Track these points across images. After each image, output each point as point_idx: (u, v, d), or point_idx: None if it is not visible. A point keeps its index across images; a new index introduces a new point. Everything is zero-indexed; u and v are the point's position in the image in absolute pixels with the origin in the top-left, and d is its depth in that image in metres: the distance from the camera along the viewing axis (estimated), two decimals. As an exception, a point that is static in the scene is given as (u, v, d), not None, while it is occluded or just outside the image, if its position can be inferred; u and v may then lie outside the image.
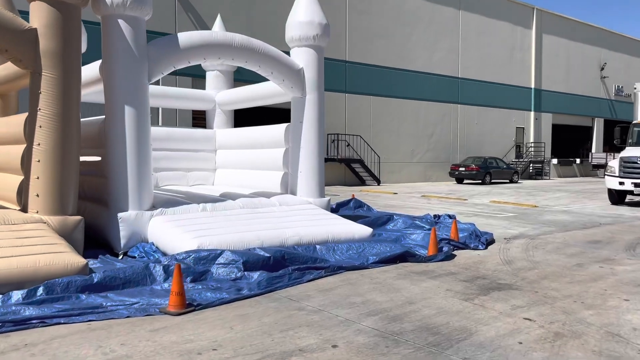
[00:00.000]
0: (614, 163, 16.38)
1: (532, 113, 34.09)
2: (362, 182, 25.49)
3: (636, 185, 15.52)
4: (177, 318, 5.00)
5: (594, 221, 12.37)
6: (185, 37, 8.08)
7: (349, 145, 25.15)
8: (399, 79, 27.12)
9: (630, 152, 16.18)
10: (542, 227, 11.26)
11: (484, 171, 26.72)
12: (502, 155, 31.84)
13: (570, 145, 39.32)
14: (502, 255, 8.09)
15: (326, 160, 24.33)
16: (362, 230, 8.51)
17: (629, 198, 17.59)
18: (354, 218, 10.89)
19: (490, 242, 9.19)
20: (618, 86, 39.73)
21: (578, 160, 37.44)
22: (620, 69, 40.06)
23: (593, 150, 38.69)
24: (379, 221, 10.84)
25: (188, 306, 5.18)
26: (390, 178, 26.91)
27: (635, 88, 18.23)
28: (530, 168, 33.24)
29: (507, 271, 7.05)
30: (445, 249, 8.15)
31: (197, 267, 6.41)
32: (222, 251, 6.63)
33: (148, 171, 7.79)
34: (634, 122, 17.30)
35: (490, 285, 6.29)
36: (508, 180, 28.47)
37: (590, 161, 37.30)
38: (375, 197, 18.72)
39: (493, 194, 20.57)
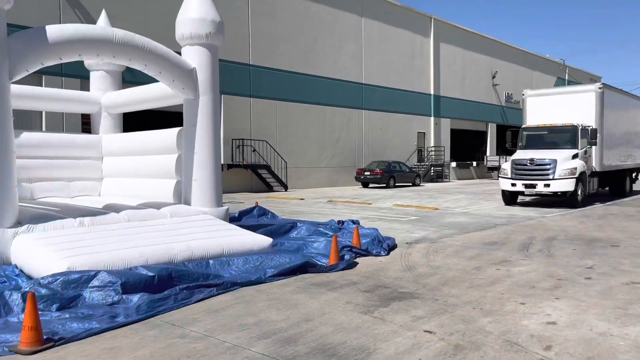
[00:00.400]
0: (506, 165, 17.18)
1: (432, 118, 35.45)
2: (270, 188, 24.99)
3: (526, 186, 16.36)
4: (30, 358, 4.20)
5: (491, 222, 12.77)
6: (56, 30, 7.14)
7: (255, 150, 24.54)
8: (305, 83, 26.98)
9: (520, 155, 17.04)
10: (443, 230, 11.39)
11: (388, 175, 27.24)
12: (405, 159, 32.76)
13: (467, 148, 41.39)
14: (404, 261, 7.94)
15: (231, 166, 23.64)
16: (261, 241, 8.00)
17: (520, 198, 18.57)
18: (257, 227, 10.36)
19: (392, 247, 9.05)
20: (508, 93, 42.47)
21: (475, 163, 39.48)
22: (510, 77, 42.86)
23: (488, 153, 41.01)
24: (281, 229, 10.38)
25: (46, 342, 4.39)
26: (298, 184, 26.64)
27: (523, 95, 19.32)
28: (432, 171, 34.50)
29: (408, 278, 6.86)
30: (347, 257, 7.85)
31: (66, 292, 5.57)
32: (97, 272, 5.83)
33: (10, 182, 6.76)
34: (523, 126, 18.28)
35: (391, 295, 6.03)
36: (411, 184, 29.27)
37: (485, 164, 39.49)
38: (282, 203, 18.29)
39: (397, 197, 20.91)
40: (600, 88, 17.58)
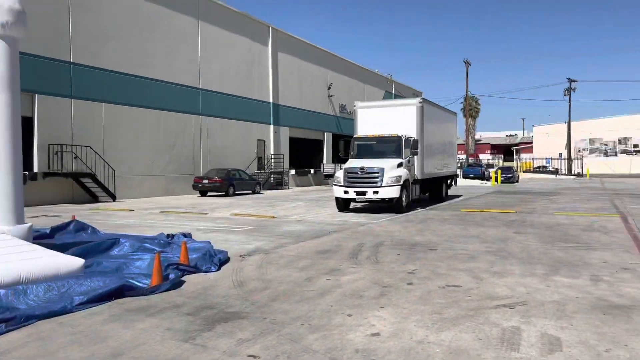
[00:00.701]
0: (339, 174, 17.82)
1: (272, 126, 35.77)
2: (95, 199, 22.80)
3: (358, 193, 17.13)
4: None
5: (324, 229, 13.01)
6: None
7: (77, 157, 22.20)
8: (136, 86, 25.25)
9: (352, 163, 17.81)
10: (278, 239, 11.26)
11: (227, 183, 26.71)
12: (246, 166, 32.51)
13: (306, 156, 42.57)
14: (235, 276, 7.56)
15: (47, 174, 21.09)
16: (70, 263, 6.99)
17: (353, 205, 19.42)
18: (72, 245, 9.22)
19: (225, 261, 8.62)
20: (342, 104, 44.71)
21: (312, 171, 40.75)
22: (344, 89, 45.17)
23: (324, 161, 42.64)
24: (101, 247, 9.31)
25: None
26: (129, 193, 24.76)
27: (354, 106, 20.29)
28: (272, 179, 34.76)
29: (237, 295, 6.49)
30: (172, 276, 7.23)
31: None
32: None
33: None
34: (354, 136, 19.17)
35: (217, 316, 5.61)
36: (251, 191, 29.08)
37: (322, 171, 40.99)
38: (107, 216, 16.71)
39: (235, 206, 20.50)
40: (420, 102, 19.18)
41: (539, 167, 71.54)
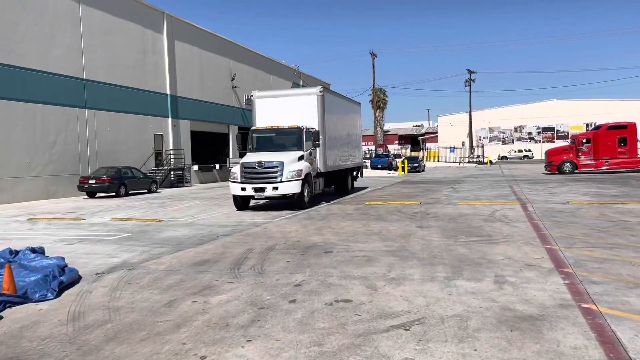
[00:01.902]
0: (236, 169, 16.40)
1: (170, 120, 33.40)
2: (-44, 206, 19.69)
3: (256, 190, 15.81)
4: None
5: (213, 233, 11.59)
6: None
7: None
8: (4, 76, 22.14)
9: (250, 157, 16.45)
10: (153, 249, 9.70)
11: (118, 182, 24.34)
12: (142, 163, 30.04)
13: (210, 151, 40.52)
14: (75, 306, 6.00)
15: None
16: None
17: (253, 202, 18.08)
18: None
19: (72, 283, 7.00)
20: (247, 96, 42.96)
21: (218, 166, 38.81)
22: (249, 80, 43.42)
23: (230, 155, 40.78)
24: None
25: None
26: (1, 198, 21.71)
27: (251, 96, 18.92)
28: (172, 176, 32.52)
29: (64, 336, 4.97)
30: (-16, 311, 5.55)
31: None
32: None
33: None
34: (252, 128, 17.81)
35: (18, 375, 4.09)
36: (146, 191, 26.82)
37: (228, 166, 39.09)
38: (-42, 227, 14.13)
39: (122, 208, 18.43)
40: (321, 92, 18.17)
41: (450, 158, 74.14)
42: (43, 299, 6.28)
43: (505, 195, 18.90)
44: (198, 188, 31.00)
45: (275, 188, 15.66)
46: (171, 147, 33.34)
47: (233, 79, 41.02)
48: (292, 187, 15.75)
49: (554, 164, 33.68)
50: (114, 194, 24.26)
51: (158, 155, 32.41)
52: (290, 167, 15.85)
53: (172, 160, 33.01)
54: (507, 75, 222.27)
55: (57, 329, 5.18)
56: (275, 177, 15.67)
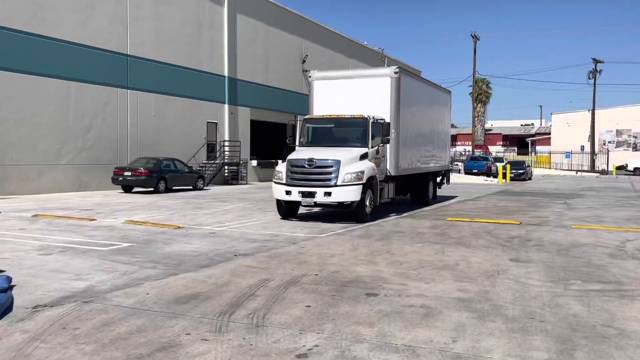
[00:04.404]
0: (281, 167, 14.81)
1: (227, 106, 32.57)
2: (-26, 195, 19.65)
3: (304, 195, 14.08)
4: None
5: (233, 250, 9.98)
6: None
7: (-55, 140, 19.01)
8: (34, 47, 21.97)
9: (299, 153, 14.82)
10: (141, 270, 8.21)
11: (157, 176, 23.63)
12: (190, 155, 29.38)
13: (272, 145, 39.44)
14: (-44, 365, 4.48)
15: None
16: None
17: (307, 209, 16.47)
18: None
19: (-10, 320, 5.55)
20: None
21: (280, 162, 37.60)
22: (323, 63, 41.85)
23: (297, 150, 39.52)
24: None
25: None
26: (25, 187, 21.60)
27: (310, 77, 17.26)
28: (226, 171, 31.69)
29: None
30: None
31: None
32: None
33: None
34: (305, 117, 16.17)
35: None
36: (191, 187, 26.01)
37: (292, 163, 37.87)
38: (-48, 220, 13.58)
39: (149, 208, 17.44)
40: (396, 72, 16.15)
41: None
42: None
43: (639, 218, 15.93)
44: (253, 187, 29.90)
45: (328, 194, 13.84)
46: (226, 138, 32.50)
47: (304, 62, 39.67)
48: (349, 194, 13.86)
49: None
50: (152, 189, 23.58)
51: (211, 147, 31.66)
52: (349, 167, 13.97)
53: (227, 153, 32.14)
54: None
55: None
56: (329, 180, 13.87)
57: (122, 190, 24.03)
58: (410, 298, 6.81)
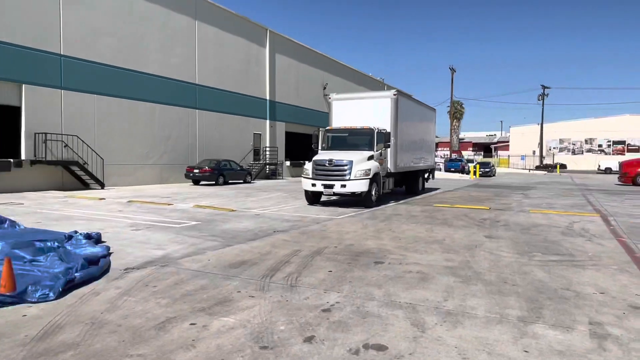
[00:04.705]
0: (308, 166, 14.48)
1: (268, 121, 32.33)
2: (86, 186, 19.71)
3: (325, 186, 13.77)
4: None
5: (273, 228, 9.71)
6: None
7: (66, 146, 19.07)
8: (130, 79, 21.96)
9: (322, 155, 14.47)
10: (204, 242, 7.99)
11: (217, 173, 23.46)
12: (241, 158, 29.22)
13: (301, 149, 39.09)
14: (62, 315, 4.30)
15: (34, 162, 18.05)
16: None
17: (327, 197, 16.13)
18: None
19: (88, 280, 5.36)
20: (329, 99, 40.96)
21: (306, 162, 37.20)
22: (339, 89, 41.22)
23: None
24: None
25: None
26: (122, 181, 21.63)
27: (329, 98, 16.88)
28: (267, 169, 31.46)
29: (1, 368, 3.23)
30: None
31: None
32: None
33: None
34: (326, 128, 15.80)
35: None
36: (242, 181, 25.82)
37: (316, 163, 37.47)
38: (68, 204, 13.55)
39: (212, 196, 17.26)
40: (395, 95, 15.68)
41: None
42: (44, 299, 4.68)
43: (582, 205, 15.26)
44: (287, 181, 29.63)
45: (344, 185, 13.50)
46: (267, 145, 32.28)
47: (324, 88, 39.21)
48: (359, 186, 13.50)
49: (629, 175, 28.20)
50: (213, 182, 23.45)
51: (256, 151, 31.48)
52: (359, 166, 13.61)
53: (267, 155, 31.94)
54: (580, 90, 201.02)
55: (9, 352, 3.47)
56: (344, 175, 13.52)
57: (192, 183, 23.95)
58: (409, 265, 6.47)
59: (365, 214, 12.39)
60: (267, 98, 32.04)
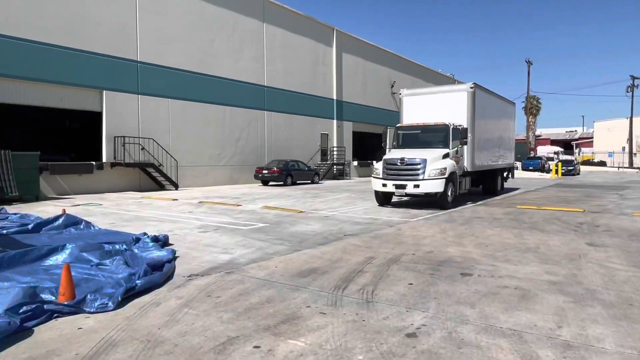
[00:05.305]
0: (378, 165, 13.66)
1: (335, 121, 31.82)
2: (162, 187, 20.36)
3: (397, 187, 12.86)
4: None
5: (342, 231, 9.04)
6: None
7: (143, 148, 19.80)
8: (202, 83, 22.43)
9: (393, 154, 13.59)
10: (272, 246, 7.50)
11: (285, 173, 23.30)
12: (309, 158, 28.96)
13: (369, 149, 38.16)
14: (118, 330, 3.91)
15: (114, 164, 18.86)
16: None
17: (398, 198, 15.20)
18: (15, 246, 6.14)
19: (151, 287, 5.02)
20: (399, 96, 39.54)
21: (375, 162, 36.24)
22: (407, 86, 39.81)
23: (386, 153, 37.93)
24: (31, 254, 6.11)
25: None
26: (195, 182, 22.14)
27: (400, 94, 15.93)
28: (334, 169, 30.95)
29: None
30: (7, 322, 3.72)
31: None
32: None
33: None
34: (397, 125, 14.87)
35: None
36: (310, 181, 25.50)
37: (384, 163, 36.34)
38: (143, 205, 13.85)
39: (280, 196, 16.99)
40: (472, 87, 14.40)
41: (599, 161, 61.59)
42: (102, 309, 4.35)
43: (698, 208, 13.01)
44: (355, 181, 28.90)
45: (417, 186, 12.52)
46: (335, 145, 31.77)
47: (392, 86, 38.01)
48: (434, 186, 12.45)
49: None
50: (282, 183, 23.33)
51: (324, 151, 31.08)
52: (434, 164, 12.56)
53: (335, 155, 31.43)
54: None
55: (55, 374, 3.08)
56: (417, 175, 12.54)
57: (261, 184, 24.01)
58: (503, 279, 5.49)
59: (441, 216, 11.34)
60: (334, 98, 31.53)
